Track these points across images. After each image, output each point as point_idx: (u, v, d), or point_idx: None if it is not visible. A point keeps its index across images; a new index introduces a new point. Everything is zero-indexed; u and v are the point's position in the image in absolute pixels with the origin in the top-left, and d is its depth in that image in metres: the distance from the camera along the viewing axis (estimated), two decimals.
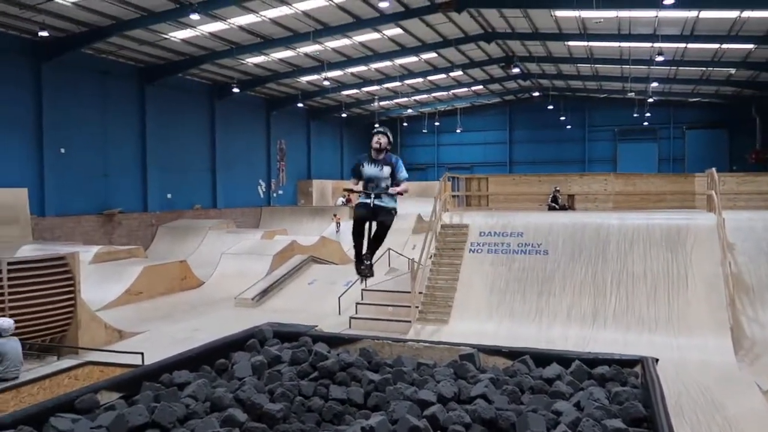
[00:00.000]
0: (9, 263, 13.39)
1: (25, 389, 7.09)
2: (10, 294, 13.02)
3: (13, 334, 9.15)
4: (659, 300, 14.44)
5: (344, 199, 40.68)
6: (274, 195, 42.30)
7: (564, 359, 6.30)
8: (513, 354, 6.53)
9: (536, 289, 15.83)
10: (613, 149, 50.68)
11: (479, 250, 17.14)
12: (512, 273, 16.37)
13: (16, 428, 4.49)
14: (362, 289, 18.80)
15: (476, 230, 17.54)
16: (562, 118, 50.30)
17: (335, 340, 7.20)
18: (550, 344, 7.68)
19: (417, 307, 16.49)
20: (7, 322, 8.39)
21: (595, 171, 40.30)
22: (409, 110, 52.19)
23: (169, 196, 32.80)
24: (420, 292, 16.79)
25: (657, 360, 6.16)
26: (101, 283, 20.28)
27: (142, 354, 9.85)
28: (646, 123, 48.84)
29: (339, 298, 19.06)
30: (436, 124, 53.32)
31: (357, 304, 18.03)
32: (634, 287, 14.93)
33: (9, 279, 13.13)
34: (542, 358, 6.40)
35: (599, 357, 6.30)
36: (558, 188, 23.79)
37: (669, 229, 15.78)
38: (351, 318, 17.17)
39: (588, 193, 23.72)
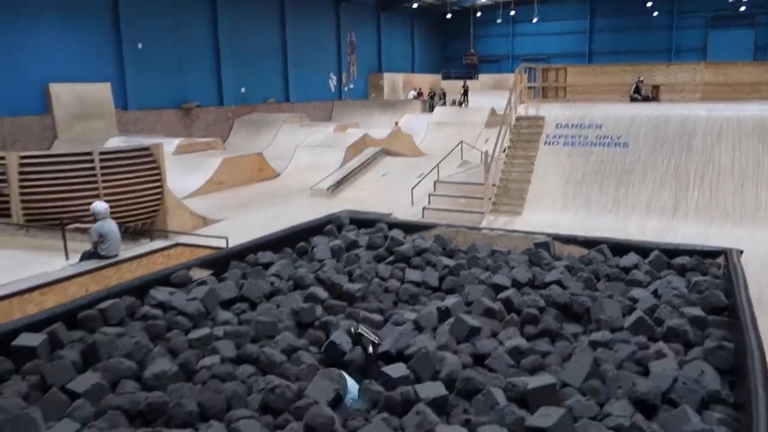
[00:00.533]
0: (100, 153, 14.10)
1: (124, 266, 7.66)
2: (103, 182, 13.82)
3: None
4: (746, 194, 13.77)
5: (415, 93, 39.92)
6: (345, 89, 41.96)
7: (642, 249, 6.20)
8: (589, 243, 6.48)
9: (614, 181, 15.37)
10: (703, 37, 46.88)
11: (555, 143, 16.65)
12: (589, 165, 15.89)
13: (121, 297, 4.91)
14: (435, 181, 18.81)
15: (552, 122, 16.95)
16: (649, 5, 46.61)
17: (410, 227, 7.32)
18: (627, 236, 7.54)
19: (490, 198, 16.40)
20: (102, 205, 8.94)
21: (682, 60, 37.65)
22: (483, 0, 49.56)
23: (243, 90, 33.12)
24: (493, 184, 16.62)
25: (741, 252, 5.97)
26: (184, 174, 21.11)
27: (226, 238, 10.33)
28: (742, 8, 44.66)
29: (412, 189, 19.15)
30: (512, 13, 50.47)
31: (430, 195, 18.08)
32: (720, 180, 14.26)
33: (101, 168, 13.87)
34: (619, 248, 6.32)
35: (680, 247, 6.17)
36: (641, 78, 22.44)
37: (763, 121, 14.76)
38: (424, 209, 17.29)
39: (674, 83, 22.30)
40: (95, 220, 8.90)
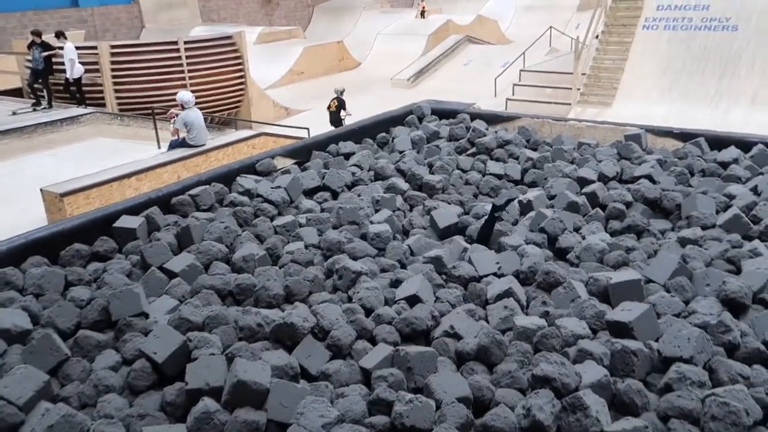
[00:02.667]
0: (185, 42, 14.33)
1: (212, 154, 7.95)
2: (189, 71, 14.13)
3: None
4: None
5: None
6: None
7: (744, 143, 5.79)
8: (685, 136, 6.10)
9: (718, 70, 14.24)
10: None
11: (654, 26, 15.43)
12: (691, 52, 14.73)
13: (210, 184, 5.11)
14: (520, 70, 18.06)
15: (654, 3, 15.64)
16: None
17: (493, 118, 7.11)
18: (727, 130, 7.04)
19: (578, 89, 15.66)
20: (188, 95, 9.16)
21: None
22: None
23: None
24: (583, 73, 15.80)
25: None
26: (266, 63, 21.21)
27: (308, 129, 10.45)
28: None
29: (495, 79, 18.53)
30: None
31: (514, 85, 17.47)
32: None
33: (186, 57, 14.13)
34: (718, 141, 5.92)
35: None
36: None
37: None
38: (507, 100, 16.78)
39: None
40: (183, 109, 9.15)
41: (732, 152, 5.61)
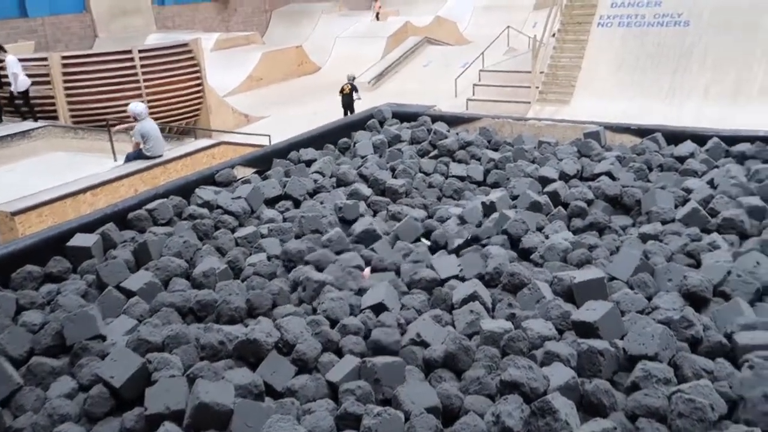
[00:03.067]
0: (140, 50, 14.04)
1: (171, 165, 7.79)
2: (144, 81, 13.85)
3: (154, 120, 9.91)
4: None
5: None
6: None
7: (699, 137, 5.90)
8: (642, 131, 6.20)
9: (671, 65, 14.57)
10: None
11: (609, 24, 15.72)
12: (645, 48, 15.03)
13: (168, 197, 4.99)
14: (480, 70, 18.21)
15: (608, 1, 15.93)
16: None
17: (454, 120, 7.13)
18: (682, 125, 7.20)
19: (537, 87, 15.85)
20: (140, 106, 8.96)
21: None
22: None
23: None
24: (541, 72, 16.01)
25: None
26: (224, 70, 20.96)
27: (269, 136, 10.34)
28: None
29: (455, 80, 18.64)
30: None
31: (474, 85, 17.60)
32: None
33: (141, 66, 13.86)
34: (675, 136, 6.02)
35: (740, 134, 5.83)
36: None
37: None
38: (468, 100, 16.90)
39: None
40: (135, 121, 8.96)
41: (688, 146, 5.72)
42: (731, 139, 5.74)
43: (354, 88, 15.69)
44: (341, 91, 15.74)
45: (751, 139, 5.68)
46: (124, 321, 3.40)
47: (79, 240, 4.20)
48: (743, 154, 5.48)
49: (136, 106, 9.05)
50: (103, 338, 3.22)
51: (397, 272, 3.94)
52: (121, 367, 2.81)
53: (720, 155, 5.60)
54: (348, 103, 15.44)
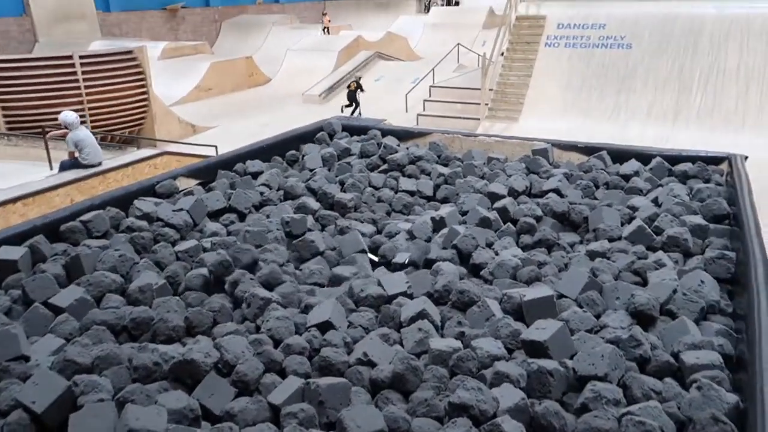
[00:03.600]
0: (81, 56, 13.58)
1: (110, 175, 7.49)
2: (86, 87, 13.38)
3: (94, 129, 9.57)
4: (751, 98, 13.47)
5: None
6: None
7: (644, 156, 6.02)
8: (589, 149, 6.28)
9: (616, 86, 15.00)
10: None
11: (556, 44, 16.10)
12: (591, 69, 15.45)
13: (104, 208, 4.76)
14: (430, 86, 18.36)
15: (554, 22, 16.33)
16: None
17: (405, 134, 7.10)
18: (626, 143, 7.39)
19: (486, 104, 16.07)
20: (71, 116, 8.61)
21: None
22: None
23: None
24: (490, 89, 16.24)
25: (746, 158, 5.81)
26: (171, 79, 20.53)
27: (215, 147, 10.12)
28: None
29: (406, 95, 18.74)
30: None
31: (424, 101, 17.72)
32: (724, 84, 13.90)
33: (83, 73, 13.40)
34: (620, 155, 6.13)
35: (682, 154, 5.97)
36: None
37: None
38: (418, 115, 16.99)
39: None
40: (68, 130, 8.64)
41: (633, 165, 5.82)
42: (674, 159, 5.88)
43: (359, 86, 18.39)
44: (348, 87, 18.61)
45: (692, 158, 5.83)
46: (51, 340, 3.18)
47: (5, 253, 3.93)
48: (685, 173, 5.60)
49: (67, 116, 8.71)
50: (26, 359, 3.00)
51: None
52: (43, 391, 2.60)
53: (663, 174, 5.71)
54: (352, 98, 18.08)
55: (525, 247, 4.58)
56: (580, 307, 3.49)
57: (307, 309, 3.57)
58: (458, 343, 3.08)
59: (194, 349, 2.90)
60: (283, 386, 2.83)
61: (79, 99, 13.22)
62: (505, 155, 6.45)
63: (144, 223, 4.67)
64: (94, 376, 2.79)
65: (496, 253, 4.34)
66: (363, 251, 4.46)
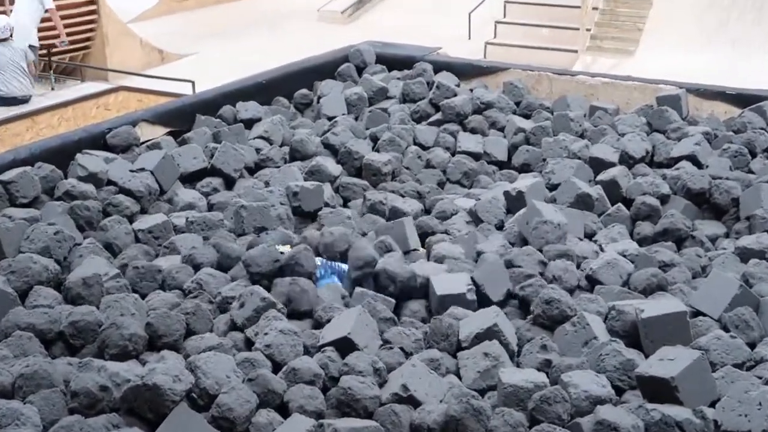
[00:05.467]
0: None
1: (42, 119, 7.57)
2: None
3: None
4: None
5: None
6: None
7: None
8: (743, 99, 6.18)
9: None
10: None
11: None
12: None
13: (34, 164, 4.82)
14: (505, 1, 18.17)
15: None
16: None
17: (468, 70, 7.10)
18: None
19: (588, 29, 15.87)
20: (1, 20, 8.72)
21: None
22: None
23: None
24: (594, 8, 16.03)
25: None
26: None
27: (192, 82, 10.18)
28: None
29: (469, 14, 18.60)
30: None
31: (496, 23, 17.58)
32: None
33: None
34: None
35: None
36: None
37: None
38: (487, 44, 16.87)
39: None
40: None
41: None
42: None
43: None
44: None
45: None
46: None
47: None
48: None
49: None
50: None
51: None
52: None
53: None
54: None
55: (643, 241, 4.56)
56: (726, 330, 3.44)
57: (321, 319, 3.62)
58: (542, 377, 3.08)
59: (158, 370, 2.92)
60: (285, 429, 2.84)
61: (1, 9, 13.45)
62: (616, 104, 6.41)
63: (89, 188, 4.74)
64: (15, 402, 2.85)
65: (601, 248, 4.33)
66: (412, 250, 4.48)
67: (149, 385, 2.86)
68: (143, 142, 5.57)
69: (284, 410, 3.01)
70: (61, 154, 5.08)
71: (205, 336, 3.45)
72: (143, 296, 3.82)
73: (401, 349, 3.40)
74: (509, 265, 4.04)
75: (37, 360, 3.08)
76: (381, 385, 3.13)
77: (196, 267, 4.04)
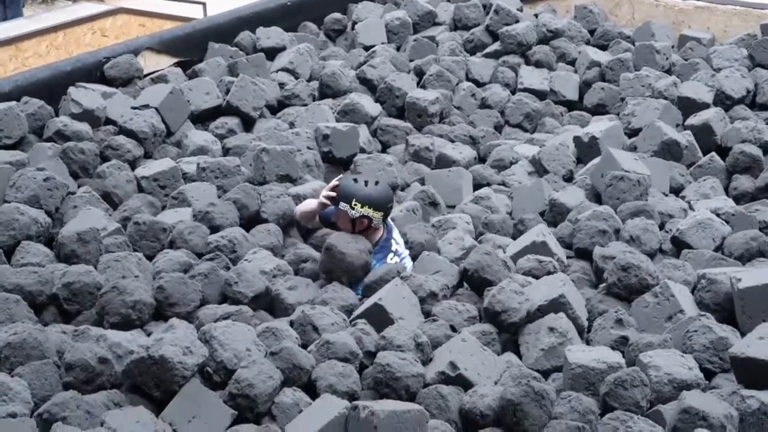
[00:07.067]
0: None
1: (28, 45, 7.56)
2: None
3: None
4: None
5: None
6: None
7: None
8: None
9: None
10: None
11: None
12: None
13: (20, 99, 4.85)
14: None
15: None
16: None
17: None
18: None
19: None
20: None
21: None
22: None
23: None
24: None
25: None
26: None
27: (203, 3, 10.16)
28: None
29: None
30: None
31: None
32: None
33: None
34: None
35: None
36: None
37: None
38: None
39: None
40: None
41: None
42: None
43: None
44: None
45: None
46: None
47: None
48: None
49: None
50: None
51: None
52: None
53: None
54: None
55: (740, 197, 4.55)
56: None
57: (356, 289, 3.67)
58: (617, 357, 3.09)
59: (166, 341, 2.96)
60: (313, 411, 2.88)
61: None
62: (711, 33, 6.39)
63: (84, 127, 4.78)
64: (2, 375, 2.90)
65: (690, 206, 4.33)
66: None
67: (156, 358, 2.89)
68: (147, 75, 5.60)
69: (312, 390, 3.04)
70: (51, 88, 5.11)
71: (221, 306, 3.49)
72: (148, 257, 3.85)
73: (447, 322, 3.40)
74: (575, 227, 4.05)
75: (26, 327, 3.12)
76: (425, 363, 3.14)
77: (214, 229, 4.05)
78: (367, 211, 3.71)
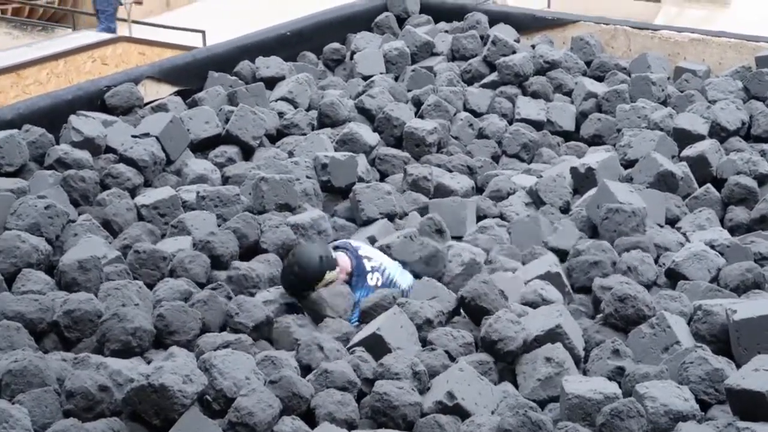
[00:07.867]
0: None
1: (29, 73, 7.61)
2: None
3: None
4: None
5: None
6: None
7: None
8: None
9: None
10: None
11: None
12: None
13: (21, 128, 4.87)
14: None
15: None
16: None
17: (530, 22, 7.10)
18: None
19: None
20: None
21: None
22: None
23: None
24: None
25: None
26: None
27: (203, 33, 10.23)
28: None
29: None
30: None
31: None
32: None
33: None
34: None
35: None
36: None
37: None
38: None
39: None
40: None
41: None
42: None
43: None
44: None
45: None
46: None
47: None
48: None
49: None
50: None
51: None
52: None
53: None
54: None
55: (736, 229, 4.55)
56: None
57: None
58: (613, 387, 3.09)
59: (166, 369, 2.97)
60: None
61: None
62: (707, 65, 6.39)
63: (85, 155, 4.80)
64: (2, 402, 2.90)
65: (686, 237, 4.33)
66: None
67: (156, 386, 2.90)
68: (147, 103, 5.63)
69: (311, 418, 3.04)
70: (52, 116, 5.13)
71: (221, 334, 3.50)
72: (149, 285, 3.86)
73: (446, 351, 3.41)
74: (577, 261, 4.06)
75: (26, 354, 3.13)
76: (422, 392, 3.16)
77: (215, 259, 4.08)
78: (330, 277, 3.79)
